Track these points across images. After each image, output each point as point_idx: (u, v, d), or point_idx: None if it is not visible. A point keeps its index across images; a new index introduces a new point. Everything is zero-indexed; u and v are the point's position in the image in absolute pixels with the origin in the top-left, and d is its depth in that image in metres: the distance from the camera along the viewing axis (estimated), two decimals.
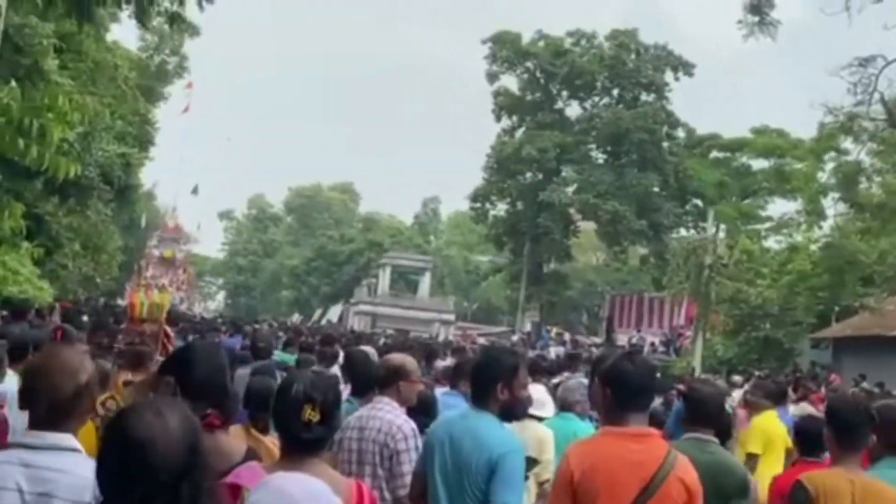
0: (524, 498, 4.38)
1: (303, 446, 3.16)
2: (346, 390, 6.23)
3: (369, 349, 9.96)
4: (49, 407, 2.77)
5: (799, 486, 4.13)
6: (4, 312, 12.29)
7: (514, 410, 4.31)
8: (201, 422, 3.83)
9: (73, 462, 2.72)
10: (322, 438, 3.20)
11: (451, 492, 4.13)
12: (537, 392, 6.74)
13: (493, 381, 4.19)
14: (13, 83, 6.92)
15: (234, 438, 4.47)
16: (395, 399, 5.03)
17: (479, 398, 4.24)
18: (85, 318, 15.60)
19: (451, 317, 53.27)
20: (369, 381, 5.60)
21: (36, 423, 2.78)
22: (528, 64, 49.25)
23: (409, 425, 4.83)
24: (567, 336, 42.79)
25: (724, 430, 5.47)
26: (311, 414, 3.11)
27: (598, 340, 43.22)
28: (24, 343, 6.80)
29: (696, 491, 3.58)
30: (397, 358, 5.33)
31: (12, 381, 5.26)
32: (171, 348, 6.75)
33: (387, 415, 4.88)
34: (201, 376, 3.29)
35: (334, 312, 63.49)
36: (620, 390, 3.68)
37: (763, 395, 9.32)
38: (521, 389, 4.30)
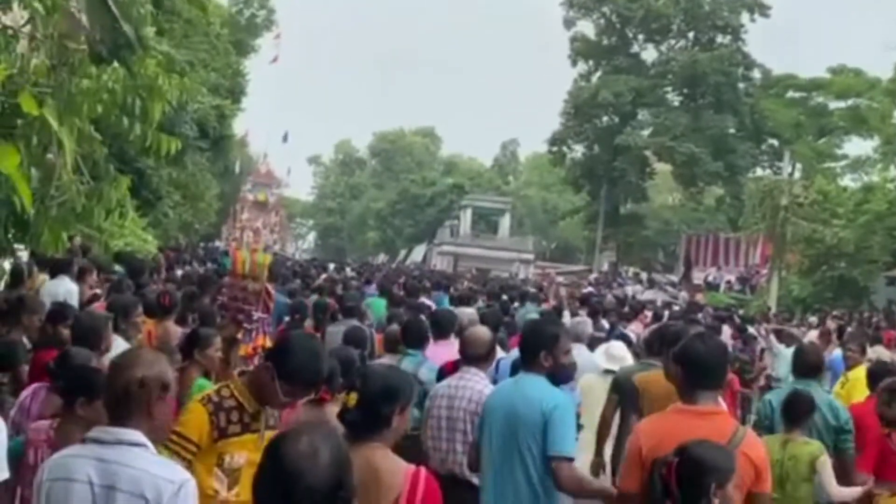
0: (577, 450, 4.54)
1: (343, 425, 3.26)
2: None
3: (470, 311, 9.92)
4: (116, 403, 2.90)
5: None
6: (118, 267, 12.20)
7: (558, 376, 4.50)
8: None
9: (135, 456, 2.82)
10: (355, 423, 3.22)
11: (505, 448, 4.35)
12: (618, 348, 7.38)
13: (536, 350, 4.45)
14: (115, 63, 6.88)
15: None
16: (483, 369, 5.38)
17: (527, 364, 4.51)
18: (179, 272, 16.35)
19: (531, 256, 53.52)
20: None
21: (109, 419, 2.92)
22: (605, 9, 48.76)
23: None
24: (644, 276, 43.22)
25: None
26: (348, 398, 3.29)
27: (674, 279, 43.52)
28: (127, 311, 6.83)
29: (763, 467, 3.63)
30: (487, 336, 5.51)
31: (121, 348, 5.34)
32: (271, 306, 7.55)
33: (476, 384, 5.17)
34: (297, 364, 3.56)
35: (418, 253, 64.85)
36: (691, 370, 3.79)
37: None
38: (564, 357, 4.50)
